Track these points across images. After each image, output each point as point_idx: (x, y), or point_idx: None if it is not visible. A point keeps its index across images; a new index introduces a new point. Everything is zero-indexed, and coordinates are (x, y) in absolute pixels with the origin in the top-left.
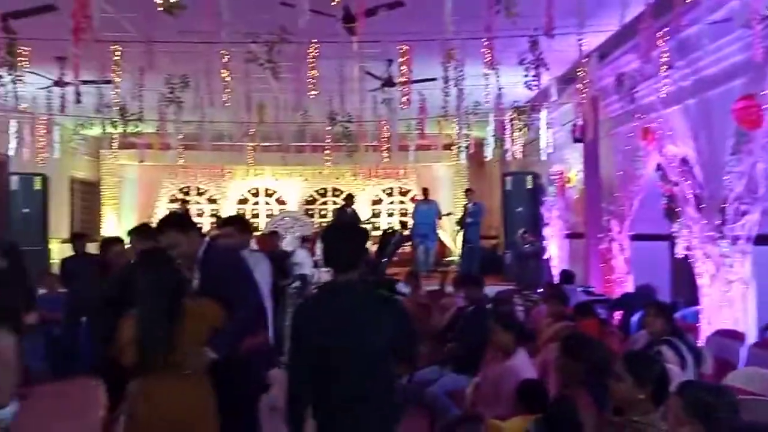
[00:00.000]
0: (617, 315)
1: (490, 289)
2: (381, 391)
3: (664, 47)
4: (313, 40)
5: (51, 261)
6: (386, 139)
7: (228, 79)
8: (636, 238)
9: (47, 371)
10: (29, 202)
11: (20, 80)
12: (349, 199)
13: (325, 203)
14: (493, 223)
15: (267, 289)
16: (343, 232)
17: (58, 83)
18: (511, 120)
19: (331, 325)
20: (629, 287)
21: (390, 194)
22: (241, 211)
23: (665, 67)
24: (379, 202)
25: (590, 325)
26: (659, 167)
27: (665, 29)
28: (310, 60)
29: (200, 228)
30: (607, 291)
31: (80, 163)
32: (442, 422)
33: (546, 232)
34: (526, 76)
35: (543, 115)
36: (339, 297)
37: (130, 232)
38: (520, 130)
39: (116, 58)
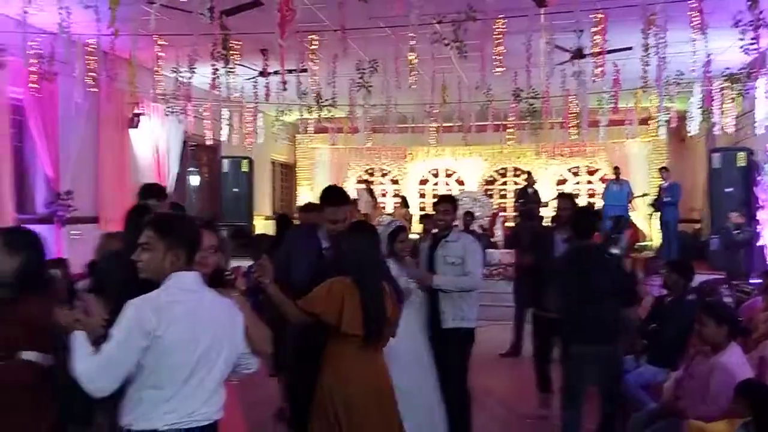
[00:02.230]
0: None
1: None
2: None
3: None
4: (499, 16)
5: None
6: (574, 114)
7: (415, 61)
8: None
9: None
10: (238, 183)
11: (232, 72)
12: (530, 178)
13: (505, 183)
14: (695, 205)
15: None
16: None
17: (263, 73)
18: (722, 90)
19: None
20: None
21: (576, 174)
22: (421, 192)
23: None
24: (563, 182)
25: None
26: None
27: None
28: (497, 36)
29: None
30: None
31: (279, 147)
32: (637, 415)
33: (761, 215)
34: (741, 39)
35: (761, 83)
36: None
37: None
38: (733, 100)
39: (313, 47)
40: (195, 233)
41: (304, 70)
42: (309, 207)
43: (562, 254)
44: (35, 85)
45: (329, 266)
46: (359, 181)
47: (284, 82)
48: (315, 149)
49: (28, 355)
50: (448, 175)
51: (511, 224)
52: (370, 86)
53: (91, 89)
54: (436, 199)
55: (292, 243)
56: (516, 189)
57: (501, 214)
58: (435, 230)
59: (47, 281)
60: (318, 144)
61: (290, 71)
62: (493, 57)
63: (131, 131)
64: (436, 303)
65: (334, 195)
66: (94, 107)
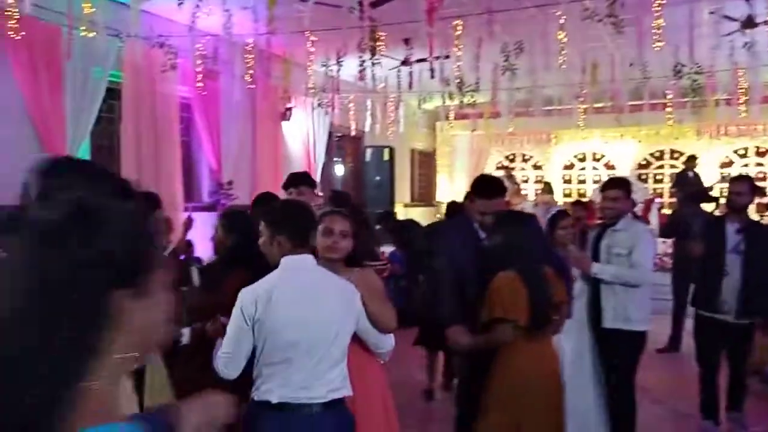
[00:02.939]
0: None
1: None
2: None
3: None
4: None
5: None
6: (743, 90)
7: (564, 40)
8: None
9: None
10: (379, 171)
11: (378, 63)
12: (691, 161)
13: (661, 167)
14: None
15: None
16: None
17: (405, 62)
18: None
19: None
20: None
21: (743, 155)
22: (566, 177)
23: None
24: (729, 165)
25: None
26: None
27: None
28: (656, 8)
29: None
30: None
31: (419, 136)
32: None
33: None
34: None
35: None
36: None
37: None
38: None
39: (458, 32)
40: (299, 220)
41: (447, 57)
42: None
43: None
44: (201, 84)
45: (491, 258)
46: (498, 167)
47: (432, 70)
48: (454, 136)
49: (226, 321)
50: (596, 159)
51: (668, 211)
52: (515, 68)
53: (249, 86)
54: (601, 184)
55: (447, 237)
56: (673, 173)
57: (657, 200)
58: (601, 219)
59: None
60: (458, 131)
61: (435, 58)
62: (652, 31)
63: (284, 124)
64: (597, 298)
65: (486, 186)
66: (251, 103)
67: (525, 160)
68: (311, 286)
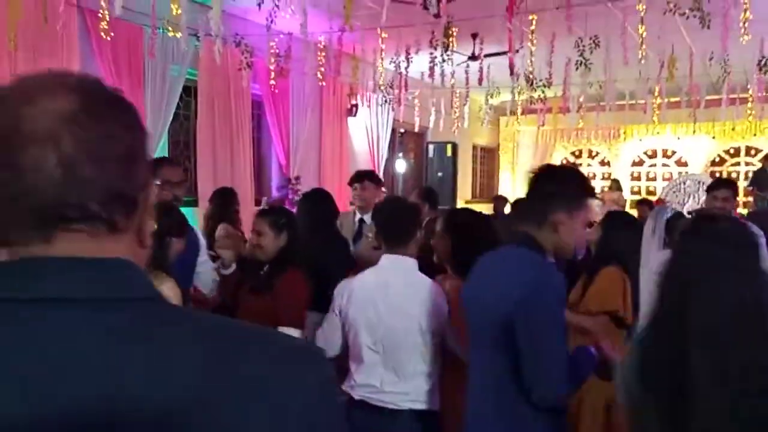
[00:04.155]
0: None
1: None
2: None
3: None
4: None
5: None
6: None
7: (644, 35)
8: None
9: None
10: (442, 167)
11: (450, 59)
12: None
13: (736, 164)
14: None
15: None
16: None
17: (473, 57)
18: None
19: None
20: None
21: None
22: (635, 174)
23: None
24: None
25: None
26: None
27: None
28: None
29: None
30: None
31: (481, 131)
32: None
33: None
34: None
35: None
36: None
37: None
38: None
39: (532, 27)
40: (390, 220)
41: (517, 51)
42: None
43: None
44: (274, 82)
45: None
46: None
47: (512, 66)
48: (519, 131)
49: (284, 330)
50: (667, 156)
51: (743, 211)
52: (590, 63)
53: (321, 83)
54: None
55: None
56: (749, 171)
57: None
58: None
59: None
60: (523, 126)
61: (502, 53)
62: (740, 24)
63: (349, 120)
64: None
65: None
66: (318, 99)
67: (592, 156)
68: (391, 289)
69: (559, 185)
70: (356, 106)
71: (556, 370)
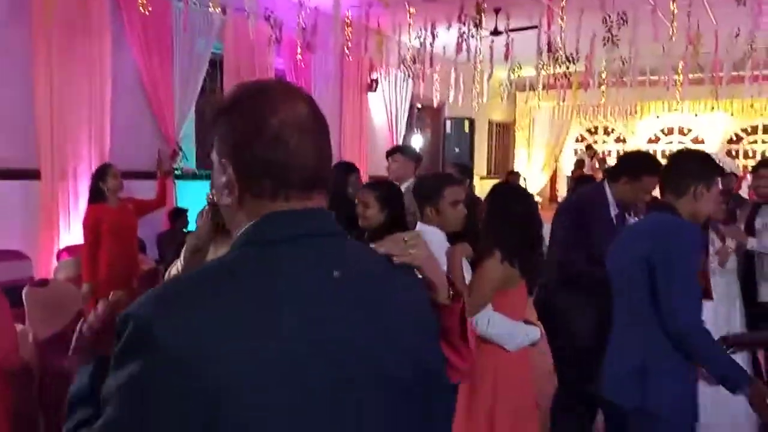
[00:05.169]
0: None
1: None
2: None
3: None
4: None
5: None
6: None
7: (675, 11)
8: None
9: None
10: (459, 143)
11: (478, 34)
12: None
13: (753, 142)
14: None
15: None
16: None
17: (496, 32)
18: None
19: None
20: None
21: None
22: (650, 152)
23: None
24: None
25: None
26: None
27: None
28: None
29: None
30: None
31: (498, 107)
32: None
33: None
34: None
35: None
36: None
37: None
38: None
39: (563, 3)
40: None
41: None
42: None
43: None
44: (300, 56)
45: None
46: (577, 140)
47: (550, 43)
48: (535, 107)
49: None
50: (683, 134)
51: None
52: (618, 39)
53: (348, 57)
54: (757, 163)
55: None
56: (766, 149)
57: (747, 177)
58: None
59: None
60: (540, 102)
61: (529, 27)
62: None
63: (369, 95)
64: (751, 273)
65: (654, 163)
66: (339, 74)
67: (607, 134)
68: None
69: (698, 164)
70: (376, 81)
71: (687, 302)
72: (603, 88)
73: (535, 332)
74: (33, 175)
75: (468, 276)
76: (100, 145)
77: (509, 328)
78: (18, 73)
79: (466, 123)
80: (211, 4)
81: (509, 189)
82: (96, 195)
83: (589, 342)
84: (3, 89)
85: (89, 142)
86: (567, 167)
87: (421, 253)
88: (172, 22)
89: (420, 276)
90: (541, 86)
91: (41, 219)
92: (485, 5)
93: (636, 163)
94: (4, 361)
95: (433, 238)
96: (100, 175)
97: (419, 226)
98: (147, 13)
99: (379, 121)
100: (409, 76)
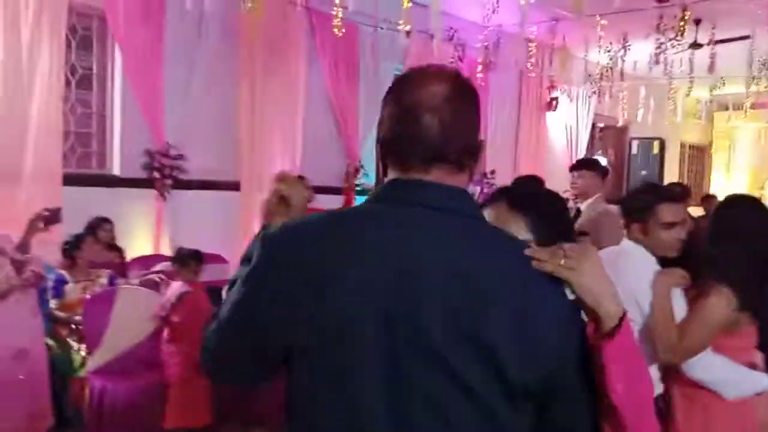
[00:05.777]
0: None
1: None
2: None
3: None
4: None
5: None
6: None
7: None
8: None
9: None
10: (647, 165)
11: (679, 45)
12: None
13: None
14: None
15: None
16: None
17: (695, 45)
18: None
19: None
20: None
21: None
22: None
23: None
24: None
25: None
26: None
27: None
28: None
29: None
30: None
31: (692, 127)
32: None
33: None
34: None
35: None
36: None
37: None
38: None
39: None
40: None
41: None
42: None
43: None
44: (481, 75)
45: None
46: None
47: None
48: (735, 128)
49: None
50: None
51: None
52: None
53: (530, 74)
54: None
55: None
56: None
57: None
58: None
59: None
60: (741, 122)
61: (736, 39)
62: None
63: (548, 114)
64: None
65: None
66: (517, 92)
67: None
68: None
69: None
70: (557, 99)
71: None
72: None
73: (765, 381)
74: (234, 186)
75: (680, 311)
76: (291, 159)
77: (733, 374)
78: (225, 94)
79: (656, 144)
80: (400, 24)
81: (743, 199)
82: None
83: None
84: (213, 108)
85: (282, 156)
86: None
87: (572, 265)
88: (359, 44)
89: (571, 294)
90: (749, 104)
91: (240, 227)
92: (689, 14)
93: None
94: None
95: (635, 259)
96: None
97: (624, 242)
98: (340, 34)
99: (558, 141)
100: (594, 93)
